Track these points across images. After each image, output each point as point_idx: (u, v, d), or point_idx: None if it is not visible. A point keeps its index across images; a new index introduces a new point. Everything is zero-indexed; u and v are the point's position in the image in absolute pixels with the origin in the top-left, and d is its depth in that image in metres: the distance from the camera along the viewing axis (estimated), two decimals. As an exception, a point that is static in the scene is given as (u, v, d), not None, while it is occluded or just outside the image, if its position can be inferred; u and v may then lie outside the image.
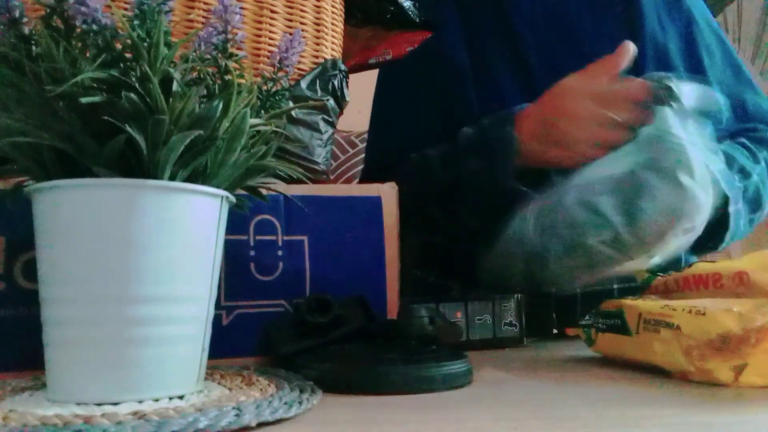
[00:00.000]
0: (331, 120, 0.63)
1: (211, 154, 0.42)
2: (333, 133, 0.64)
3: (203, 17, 0.56)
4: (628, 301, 0.53)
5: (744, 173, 0.76)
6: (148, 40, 0.40)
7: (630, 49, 0.64)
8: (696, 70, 0.83)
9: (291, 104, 0.58)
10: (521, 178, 0.70)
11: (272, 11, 0.60)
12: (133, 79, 0.38)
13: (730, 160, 0.73)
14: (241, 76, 0.45)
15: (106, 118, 0.37)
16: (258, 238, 0.56)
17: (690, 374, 0.47)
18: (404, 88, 0.91)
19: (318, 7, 0.63)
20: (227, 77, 0.45)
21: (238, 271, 0.55)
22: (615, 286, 0.79)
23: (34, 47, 0.40)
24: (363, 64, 0.75)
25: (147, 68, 0.39)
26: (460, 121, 0.77)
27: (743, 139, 0.80)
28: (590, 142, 0.62)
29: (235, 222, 0.52)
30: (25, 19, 0.40)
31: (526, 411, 0.40)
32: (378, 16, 0.70)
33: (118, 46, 0.40)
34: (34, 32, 0.40)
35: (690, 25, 0.86)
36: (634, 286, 0.63)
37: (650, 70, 0.80)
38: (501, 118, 0.72)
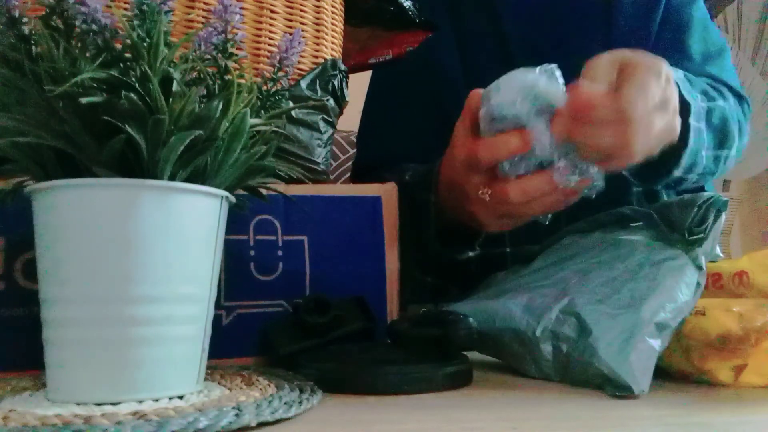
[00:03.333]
0: (331, 120, 0.63)
1: (211, 154, 0.42)
2: (333, 133, 0.64)
3: (203, 17, 0.56)
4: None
5: (707, 96, 0.71)
6: (148, 40, 0.40)
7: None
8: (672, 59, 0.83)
9: (291, 104, 0.58)
10: (448, 239, 0.68)
11: (272, 11, 0.60)
12: (133, 79, 0.38)
13: (689, 80, 0.68)
14: (241, 76, 0.45)
15: (106, 118, 0.37)
16: (258, 238, 0.56)
17: (690, 374, 0.47)
18: (396, 93, 0.91)
19: (318, 7, 0.63)
20: (227, 77, 0.44)
21: (238, 271, 0.55)
22: None
23: (34, 47, 0.40)
24: (363, 64, 0.75)
25: (147, 68, 0.39)
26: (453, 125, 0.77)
27: (707, 80, 0.77)
28: (488, 209, 0.59)
29: (235, 222, 0.52)
30: (25, 19, 0.40)
31: (526, 411, 0.40)
32: (378, 16, 0.70)
33: (118, 46, 0.40)
34: (34, 32, 0.40)
35: (669, 18, 0.85)
36: None
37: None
38: (422, 179, 0.69)
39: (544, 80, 0.55)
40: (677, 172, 0.66)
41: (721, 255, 0.53)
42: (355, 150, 1.56)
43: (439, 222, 0.68)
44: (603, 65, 0.55)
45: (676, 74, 0.60)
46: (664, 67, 0.56)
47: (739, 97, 0.81)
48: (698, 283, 0.48)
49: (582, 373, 0.46)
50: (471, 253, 0.69)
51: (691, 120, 0.63)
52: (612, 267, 0.52)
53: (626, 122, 0.52)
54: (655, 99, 0.54)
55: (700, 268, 0.49)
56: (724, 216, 0.51)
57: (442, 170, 0.66)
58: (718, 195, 0.51)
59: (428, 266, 0.87)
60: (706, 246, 0.50)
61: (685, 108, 0.62)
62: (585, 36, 0.83)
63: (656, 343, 0.44)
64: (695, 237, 0.50)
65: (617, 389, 0.43)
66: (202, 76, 0.44)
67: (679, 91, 0.61)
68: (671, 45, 0.83)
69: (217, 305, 0.47)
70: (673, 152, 0.63)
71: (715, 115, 0.71)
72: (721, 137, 0.73)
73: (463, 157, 0.59)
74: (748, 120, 0.83)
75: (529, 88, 0.54)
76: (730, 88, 0.80)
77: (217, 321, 0.46)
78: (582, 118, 0.52)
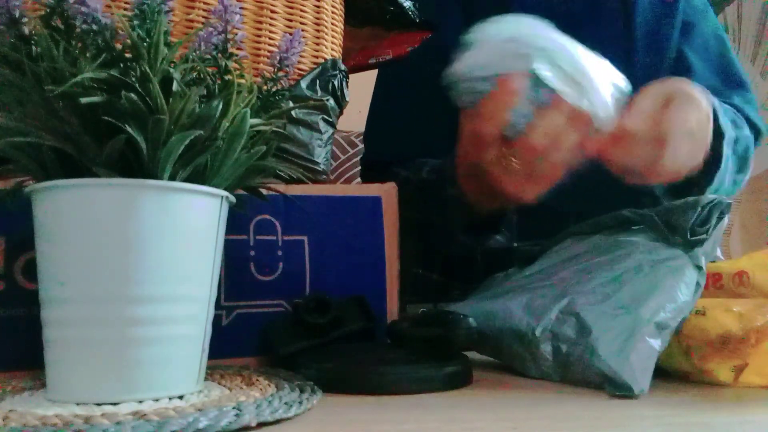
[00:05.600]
0: (331, 120, 0.63)
1: (211, 154, 0.42)
2: (333, 133, 0.64)
3: (203, 17, 0.56)
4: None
5: (735, 124, 0.75)
6: (148, 40, 0.40)
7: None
8: (683, 66, 0.84)
9: (291, 104, 0.58)
10: (475, 227, 0.69)
11: (272, 11, 0.60)
12: (133, 79, 0.38)
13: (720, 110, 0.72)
14: (241, 76, 0.45)
15: (106, 118, 0.37)
16: (258, 238, 0.56)
17: (690, 374, 0.47)
18: (406, 87, 0.91)
19: (318, 7, 0.63)
20: (227, 77, 0.44)
21: (238, 271, 0.55)
22: None
23: (34, 47, 0.40)
24: (363, 64, 0.75)
25: (147, 68, 0.39)
26: None
27: (728, 105, 0.80)
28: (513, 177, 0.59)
29: (235, 222, 0.52)
30: (25, 19, 0.40)
31: (526, 411, 0.40)
32: (378, 16, 0.70)
33: (118, 46, 0.40)
34: (34, 32, 0.40)
35: (685, 21, 0.86)
36: None
37: (641, 63, 0.81)
38: (442, 176, 0.70)
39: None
40: (708, 193, 0.70)
41: (722, 257, 0.53)
42: (354, 150, 1.56)
43: (463, 213, 0.69)
44: (651, 95, 0.58)
45: (712, 101, 0.63)
46: (705, 103, 0.60)
47: (756, 130, 0.85)
48: (698, 284, 0.48)
49: (582, 373, 0.46)
50: (498, 237, 0.70)
51: (725, 147, 0.68)
52: (612, 267, 0.52)
53: (660, 143, 0.56)
54: (687, 125, 0.57)
55: (699, 268, 0.49)
56: (726, 218, 0.51)
57: (458, 161, 0.67)
58: (721, 197, 0.51)
59: (433, 263, 0.87)
60: (707, 247, 0.50)
61: (719, 134, 0.67)
62: (604, 40, 0.83)
63: (656, 343, 0.44)
64: (697, 237, 0.50)
65: (617, 389, 0.43)
66: (202, 76, 0.44)
67: (716, 117, 0.65)
68: (687, 62, 0.85)
69: (217, 305, 0.47)
70: (705, 174, 0.68)
71: (741, 144, 0.76)
72: (741, 163, 0.78)
73: (472, 141, 0.60)
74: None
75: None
76: (748, 120, 0.84)
77: (217, 321, 0.46)
78: (621, 142, 0.55)
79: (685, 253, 0.50)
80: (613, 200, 0.60)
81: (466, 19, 0.87)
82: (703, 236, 0.50)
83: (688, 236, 0.50)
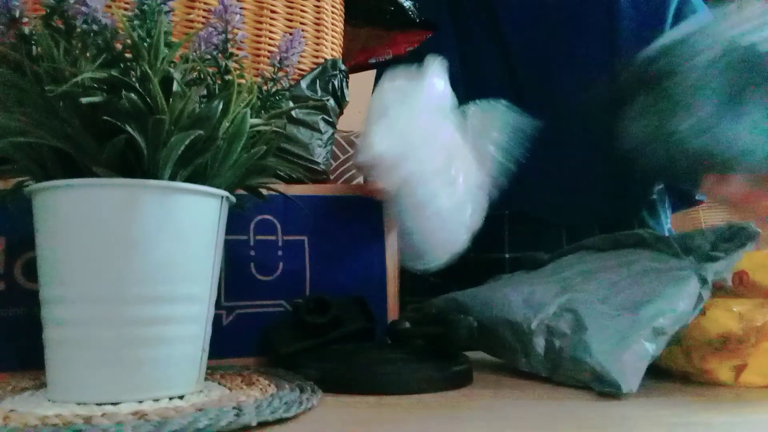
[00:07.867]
0: (331, 120, 0.63)
1: (211, 154, 0.42)
2: (333, 133, 0.64)
3: (203, 17, 0.56)
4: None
5: None
6: (148, 40, 0.40)
7: None
8: None
9: (291, 104, 0.58)
10: None
11: (272, 11, 0.60)
12: (133, 79, 0.38)
13: None
14: (241, 76, 0.45)
15: (106, 118, 0.37)
16: (258, 238, 0.56)
17: (690, 374, 0.47)
18: None
19: (318, 7, 0.63)
20: (227, 77, 0.44)
21: (238, 271, 0.55)
22: None
23: (34, 47, 0.40)
24: (363, 64, 0.75)
25: (147, 68, 0.39)
26: None
27: None
28: None
29: (235, 222, 0.52)
30: (25, 19, 0.40)
31: (526, 411, 0.40)
32: (378, 16, 0.70)
33: (118, 46, 0.40)
34: (34, 32, 0.40)
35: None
36: None
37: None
38: None
39: None
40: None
41: (729, 282, 0.52)
42: (354, 150, 1.56)
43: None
44: None
45: None
46: None
47: None
48: (700, 296, 0.47)
49: (572, 370, 0.46)
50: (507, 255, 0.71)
51: None
52: (616, 271, 0.52)
53: None
54: None
55: (705, 281, 0.48)
56: (750, 246, 0.51)
57: None
58: (751, 225, 0.51)
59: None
60: (719, 266, 0.50)
61: None
62: (587, 42, 0.83)
63: (651, 347, 0.44)
64: (714, 253, 0.49)
65: (605, 386, 0.43)
66: (202, 76, 0.44)
67: None
68: None
69: (218, 305, 0.47)
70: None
71: None
72: None
73: None
74: None
75: None
76: None
77: (217, 321, 0.46)
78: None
79: (695, 263, 0.49)
80: (600, 212, 0.59)
81: (454, 21, 0.87)
82: (720, 254, 0.49)
83: (708, 249, 0.50)
